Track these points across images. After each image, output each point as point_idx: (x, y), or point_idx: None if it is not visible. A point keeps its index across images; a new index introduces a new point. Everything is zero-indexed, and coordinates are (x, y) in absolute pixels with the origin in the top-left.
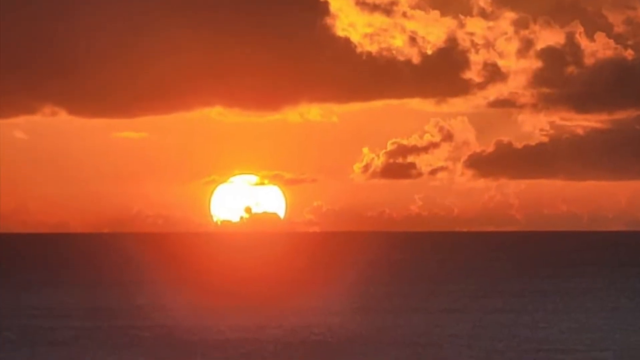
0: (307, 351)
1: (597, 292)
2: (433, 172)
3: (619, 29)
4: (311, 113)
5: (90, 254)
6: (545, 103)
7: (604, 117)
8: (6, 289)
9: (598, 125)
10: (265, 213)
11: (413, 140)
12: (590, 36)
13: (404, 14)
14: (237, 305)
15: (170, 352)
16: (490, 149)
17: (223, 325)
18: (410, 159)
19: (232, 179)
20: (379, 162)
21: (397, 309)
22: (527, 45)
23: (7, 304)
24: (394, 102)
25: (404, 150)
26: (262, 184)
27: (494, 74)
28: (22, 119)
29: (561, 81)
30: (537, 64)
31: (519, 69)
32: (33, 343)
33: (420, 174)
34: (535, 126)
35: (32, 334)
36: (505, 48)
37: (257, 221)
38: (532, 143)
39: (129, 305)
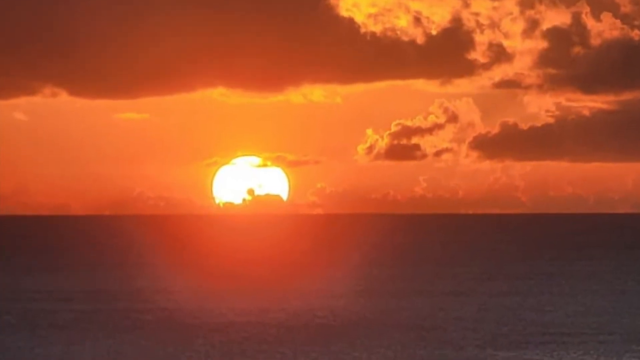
0: (310, 334)
1: (603, 274)
2: (438, 153)
3: (626, 9)
4: (314, 94)
5: (91, 236)
6: (551, 84)
7: (611, 98)
8: (6, 272)
9: (604, 106)
10: (268, 195)
11: (417, 122)
12: (597, 16)
13: None
14: (240, 288)
15: (171, 335)
16: (496, 130)
17: (225, 308)
18: (414, 140)
19: (235, 160)
20: (383, 143)
21: (401, 292)
22: (532, 25)
23: (6, 287)
24: (398, 83)
25: (408, 132)
26: (264, 165)
27: (499, 54)
28: (22, 100)
29: (567, 62)
30: (542, 44)
31: (525, 50)
32: (33, 326)
33: (424, 156)
34: (540, 107)
35: (32, 317)
36: (511, 28)
37: (260, 203)
38: (538, 124)
39: (130, 288)
